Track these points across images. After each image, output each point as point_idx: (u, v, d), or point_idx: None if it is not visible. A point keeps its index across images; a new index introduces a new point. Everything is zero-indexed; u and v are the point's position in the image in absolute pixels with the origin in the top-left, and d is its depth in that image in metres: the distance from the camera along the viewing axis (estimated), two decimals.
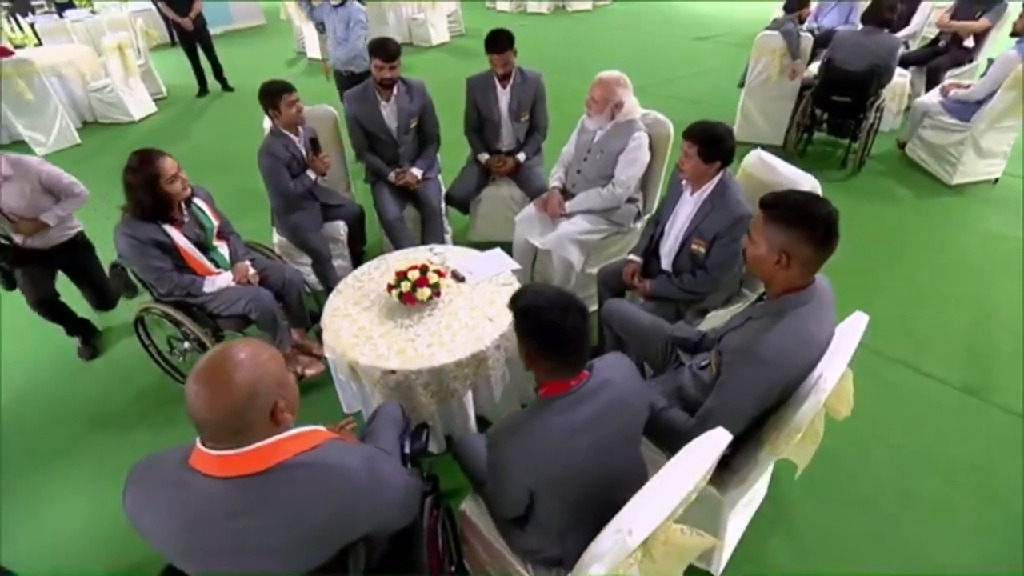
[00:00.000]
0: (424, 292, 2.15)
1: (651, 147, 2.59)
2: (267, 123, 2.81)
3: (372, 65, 2.83)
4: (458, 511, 1.63)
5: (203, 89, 6.64)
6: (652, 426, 1.55)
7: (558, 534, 1.27)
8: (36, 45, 7.39)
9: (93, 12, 8.16)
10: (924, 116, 4.01)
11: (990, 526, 1.96)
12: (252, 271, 2.39)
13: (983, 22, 4.50)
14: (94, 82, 5.91)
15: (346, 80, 4.14)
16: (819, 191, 2.03)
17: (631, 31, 8.63)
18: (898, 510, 2.01)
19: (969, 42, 4.65)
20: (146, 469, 1.03)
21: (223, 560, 0.99)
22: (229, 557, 0.99)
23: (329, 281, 2.80)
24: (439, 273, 2.23)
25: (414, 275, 2.17)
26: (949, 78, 4.47)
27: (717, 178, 2.01)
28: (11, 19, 9.66)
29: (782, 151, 4.45)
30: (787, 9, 4.37)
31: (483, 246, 2.60)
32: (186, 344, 2.43)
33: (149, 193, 2.08)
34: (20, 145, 5.36)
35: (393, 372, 1.97)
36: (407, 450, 1.71)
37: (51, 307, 2.78)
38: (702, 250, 2.05)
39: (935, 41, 4.91)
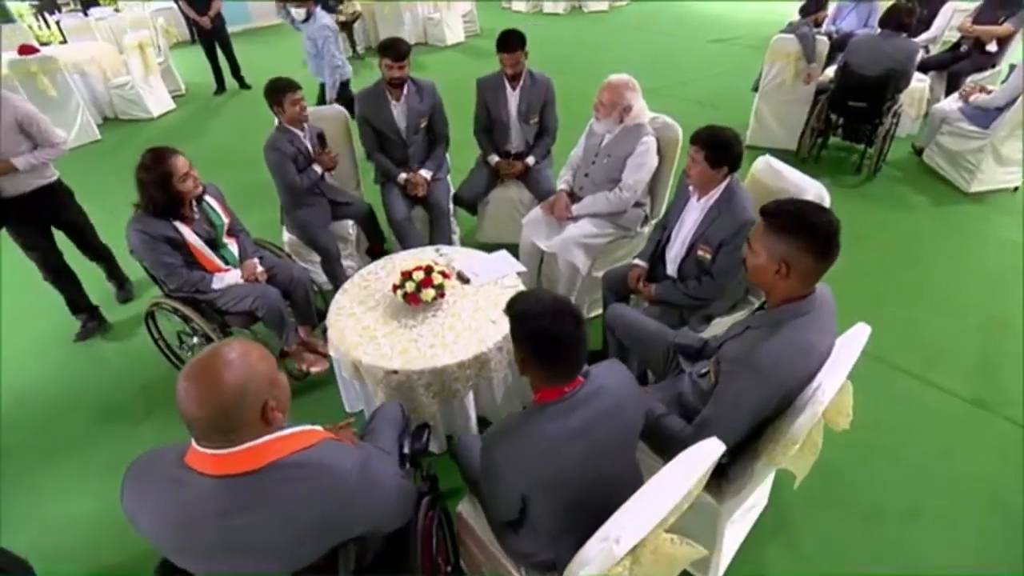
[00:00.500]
0: (428, 293, 2.17)
1: (659, 151, 2.58)
2: (275, 119, 2.85)
3: (382, 65, 2.85)
4: (455, 512, 1.64)
5: (220, 87, 6.74)
6: (650, 433, 1.56)
7: (551, 539, 1.27)
8: (61, 42, 7.56)
9: (117, 10, 8.33)
10: (942, 122, 3.94)
11: (995, 543, 1.91)
12: (260, 269, 2.42)
13: (1007, 27, 4.41)
14: (115, 79, 6.02)
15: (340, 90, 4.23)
16: (826, 198, 2.02)
17: (646, 33, 8.58)
18: (902, 524, 1.98)
19: (992, 47, 4.56)
20: (144, 465, 1.05)
21: (216, 557, 1.01)
22: (221, 554, 1.00)
23: (338, 279, 2.83)
24: (444, 274, 2.24)
25: (419, 276, 2.18)
26: (970, 82, 4.38)
27: (724, 184, 2.00)
28: (39, 17, 9.92)
29: (795, 156, 4.39)
30: (803, 12, 4.32)
31: (491, 247, 2.61)
32: (195, 339, 2.47)
33: (161, 190, 2.12)
34: None
35: (395, 372, 1.99)
36: (406, 450, 1.73)
37: (61, 273, 2.86)
38: (708, 256, 2.04)
39: (956, 45, 4.82)
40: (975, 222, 3.62)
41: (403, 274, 2.21)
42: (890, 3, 3.94)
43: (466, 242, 3.52)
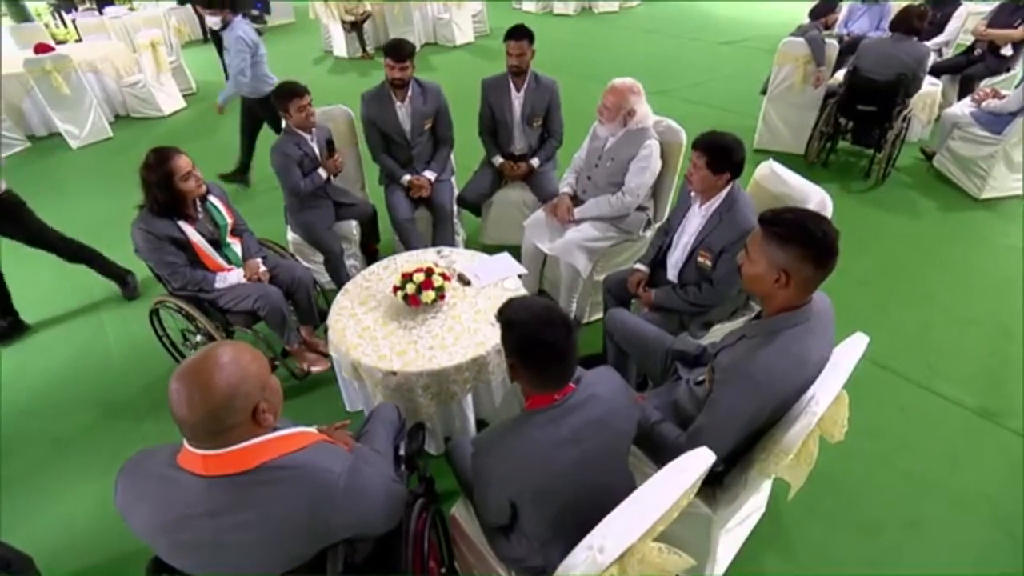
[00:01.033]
0: (429, 295, 2.17)
1: (663, 155, 2.57)
2: (283, 121, 2.87)
3: (384, 65, 2.86)
4: (449, 515, 1.64)
5: None
6: (644, 440, 1.55)
7: (541, 544, 1.27)
8: (77, 41, 7.68)
9: (132, 9, 8.44)
10: (954, 127, 3.88)
11: (996, 558, 1.88)
12: (263, 268, 2.44)
13: (1022, 31, 4.34)
14: (128, 77, 6.10)
15: (255, 105, 4.03)
16: (829, 205, 1.99)
17: (656, 34, 8.55)
18: (901, 535, 1.96)
19: (1007, 50, 4.49)
20: (137, 463, 1.07)
21: (206, 557, 1.02)
22: (211, 554, 1.02)
23: (340, 279, 2.84)
24: (444, 276, 2.25)
25: (419, 278, 2.19)
26: (984, 87, 4.32)
27: (726, 191, 1.98)
28: (56, 15, 10.08)
29: (804, 160, 4.36)
30: (813, 15, 4.27)
31: (494, 249, 2.61)
32: (198, 337, 2.50)
33: (164, 190, 2.14)
34: (56, 137, 5.58)
35: (394, 373, 2.00)
36: (402, 452, 1.74)
37: None
38: (708, 263, 2.03)
39: (970, 49, 4.75)
40: (985, 229, 3.56)
41: (403, 276, 2.22)
42: (903, 6, 3.90)
43: (470, 244, 3.53)
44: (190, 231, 2.25)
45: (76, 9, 9.86)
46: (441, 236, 3.08)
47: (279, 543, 1.03)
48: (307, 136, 2.77)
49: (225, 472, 0.99)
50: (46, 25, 8.60)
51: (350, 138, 3.24)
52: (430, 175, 3.09)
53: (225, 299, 2.34)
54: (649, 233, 2.73)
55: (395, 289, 2.22)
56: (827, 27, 4.21)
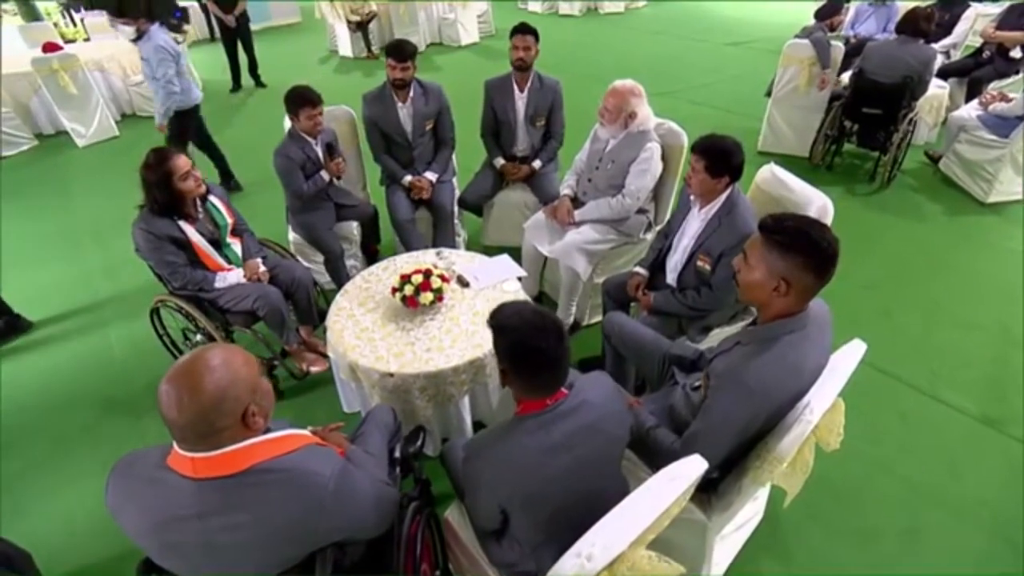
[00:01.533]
0: (427, 296, 2.17)
1: (664, 158, 2.56)
2: (287, 123, 2.87)
3: (386, 65, 2.87)
4: (443, 518, 1.64)
5: (237, 85, 6.83)
6: (639, 445, 1.54)
7: (532, 550, 1.27)
8: (85, 40, 7.73)
9: None
10: (960, 130, 3.85)
11: (996, 569, 1.86)
12: (263, 268, 2.45)
13: None
14: (134, 76, 6.14)
15: (178, 119, 3.86)
16: (830, 210, 1.98)
17: (662, 35, 8.52)
18: (900, 544, 1.94)
19: (1016, 53, 4.45)
20: (127, 464, 1.07)
21: (195, 558, 1.02)
22: (201, 555, 1.02)
23: (341, 279, 2.85)
24: (443, 278, 2.25)
25: (417, 279, 2.19)
26: (992, 89, 4.27)
27: (725, 195, 1.97)
28: (66, 14, 10.16)
29: (808, 163, 4.33)
30: (818, 16, 4.23)
31: (495, 251, 2.61)
32: (198, 336, 2.51)
33: (163, 189, 2.15)
34: (63, 135, 5.62)
35: (391, 375, 2.00)
36: (397, 454, 1.74)
37: None
38: (708, 267, 2.01)
39: (978, 51, 4.71)
40: (991, 233, 3.53)
41: (402, 277, 2.22)
42: (910, 7, 3.86)
43: (472, 245, 3.52)
44: (190, 231, 2.26)
45: (85, 8, 9.94)
46: (441, 237, 3.08)
47: (268, 546, 1.03)
48: (311, 140, 2.78)
49: (214, 474, 0.99)
50: (55, 24, 8.66)
51: (352, 138, 3.24)
52: (431, 176, 3.09)
53: (224, 299, 2.34)
54: (650, 236, 2.72)
55: (393, 290, 2.22)
56: (832, 29, 4.18)
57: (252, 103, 6.57)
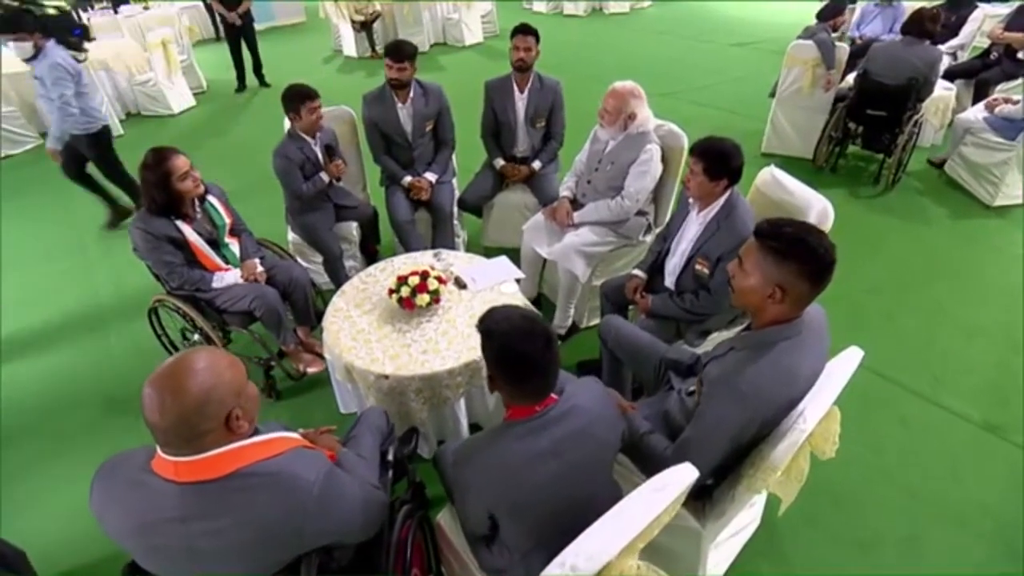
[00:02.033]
0: (423, 298, 2.16)
1: (664, 160, 2.54)
2: (286, 123, 2.87)
3: (384, 65, 2.87)
4: (436, 522, 1.63)
5: (241, 85, 6.84)
6: (633, 450, 1.53)
7: (522, 556, 1.26)
8: (93, 39, 7.77)
9: (146, 7, 8.52)
10: (966, 133, 3.80)
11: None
12: (260, 269, 2.44)
13: None
14: (139, 76, 6.15)
15: (80, 143, 3.55)
16: (831, 214, 1.95)
17: (667, 36, 8.49)
18: (900, 552, 1.91)
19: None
20: (112, 467, 1.07)
21: (179, 562, 1.02)
22: (184, 559, 1.01)
23: (339, 280, 2.84)
24: (440, 280, 2.24)
25: (414, 281, 2.18)
26: (999, 91, 4.23)
27: (724, 198, 1.95)
28: (74, 14, 10.21)
29: (812, 164, 4.30)
30: (820, 17, 4.20)
31: (495, 252, 2.60)
32: (196, 336, 2.51)
33: (162, 189, 2.15)
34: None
35: (386, 377, 1.99)
36: (390, 457, 1.73)
37: None
38: (706, 271, 1.99)
39: (986, 52, 4.66)
40: (997, 237, 3.48)
41: (399, 278, 2.21)
42: (916, 7, 3.82)
43: (472, 246, 3.52)
44: (187, 231, 2.26)
45: (92, 7, 10.01)
46: (440, 238, 3.08)
47: (252, 550, 1.03)
48: (310, 140, 2.77)
49: (197, 479, 0.98)
50: None
51: (352, 139, 3.24)
52: (431, 177, 3.08)
53: (221, 299, 2.34)
54: (649, 238, 2.70)
55: (390, 292, 2.21)
56: (835, 29, 4.14)
57: (256, 102, 6.59)
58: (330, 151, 2.87)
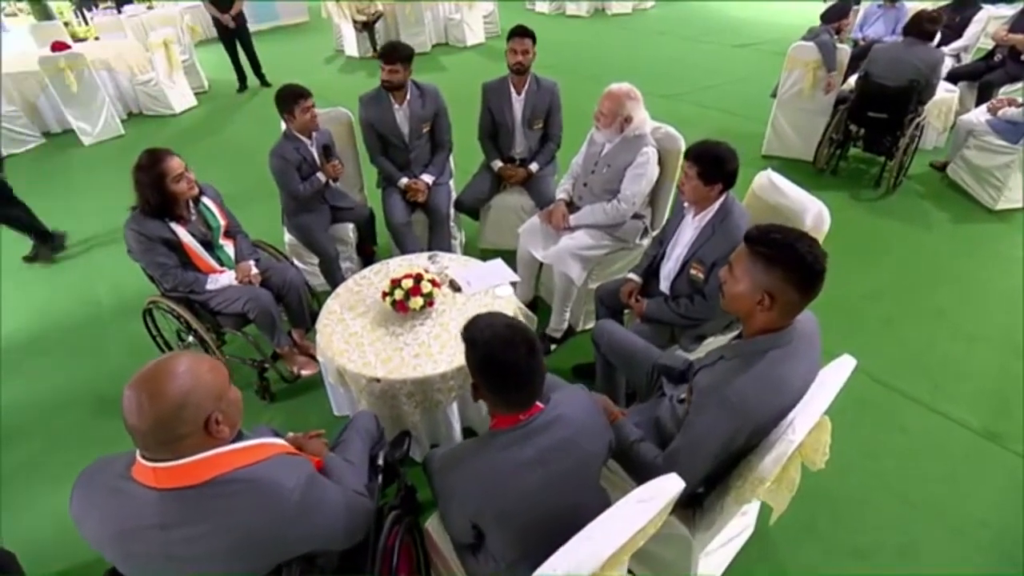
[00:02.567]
0: (417, 301, 2.15)
1: (661, 163, 2.52)
2: (283, 125, 2.87)
3: (379, 67, 2.86)
4: (425, 528, 1.61)
5: (243, 85, 6.85)
6: (624, 459, 1.51)
7: (508, 565, 1.24)
8: (96, 39, 7.80)
9: (150, 7, 8.55)
10: (969, 135, 3.77)
11: None
12: (255, 271, 2.44)
13: None
14: (141, 75, 6.17)
15: None
16: (827, 218, 1.93)
17: (669, 36, 8.45)
18: (896, 561, 1.89)
19: None
20: (91, 474, 1.06)
21: (157, 569, 1.01)
22: (163, 566, 1.01)
23: (335, 282, 2.83)
24: (434, 283, 2.23)
25: (408, 284, 2.17)
26: (1003, 94, 4.19)
27: (719, 202, 1.93)
28: (78, 13, 10.27)
29: (813, 167, 4.26)
30: (824, 19, 4.17)
31: (492, 254, 2.58)
32: (191, 337, 2.50)
33: (156, 191, 2.15)
34: (69, 134, 5.66)
35: (378, 380, 1.98)
36: (380, 461, 1.72)
37: None
38: (701, 276, 1.97)
39: (990, 54, 4.61)
40: (998, 242, 3.45)
41: (392, 281, 2.20)
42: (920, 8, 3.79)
43: (469, 247, 3.50)
44: (182, 232, 2.25)
45: (96, 6, 10.04)
46: (436, 240, 3.06)
47: (231, 557, 1.02)
48: (306, 140, 2.76)
49: (176, 485, 0.98)
50: (66, 24, 8.75)
51: (349, 140, 3.23)
52: (427, 179, 3.07)
53: (215, 301, 2.34)
54: (646, 241, 2.68)
55: (384, 295, 2.20)
56: (838, 32, 4.10)
57: (256, 103, 6.59)
58: (327, 152, 2.86)
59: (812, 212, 1.96)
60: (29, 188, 4.80)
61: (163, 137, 5.70)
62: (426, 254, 2.60)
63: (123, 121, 5.94)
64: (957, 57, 4.80)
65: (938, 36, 4.00)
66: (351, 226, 3.10)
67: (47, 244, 3.76)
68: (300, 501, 1.04)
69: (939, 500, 2.06)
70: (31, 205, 3.65)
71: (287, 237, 3.06)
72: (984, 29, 4.77)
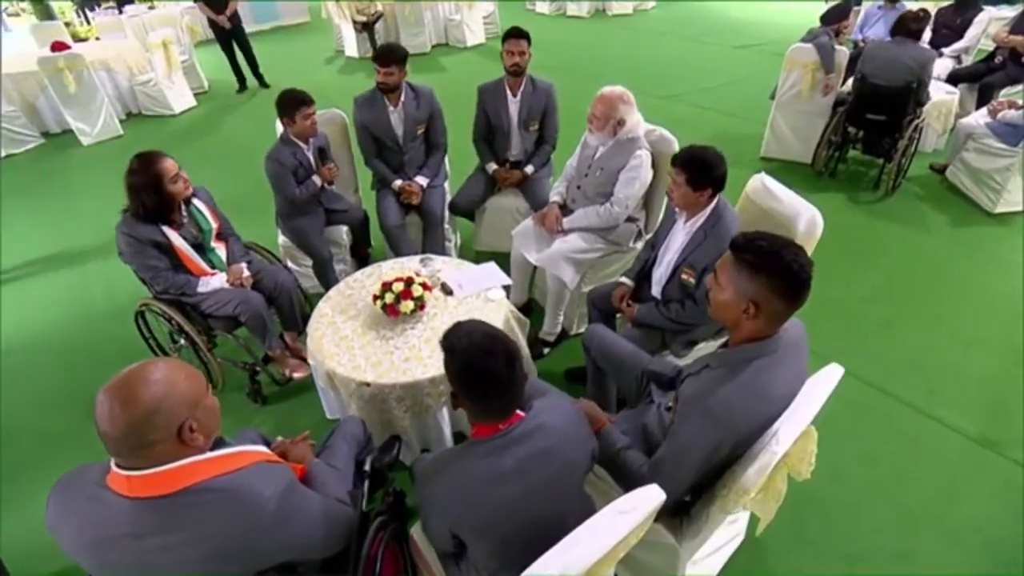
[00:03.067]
0: (407, 305, 2.14)
1: (655, 166, 2.50)
2: (279, 127, 2.86)
3: (374, 69, 2.85)
4: (410, 534, 1.60)
5: (242, 85, 6.84)
6: (611, 466, 1.50)
7: (490, 574, 1.23)
8: (97, 39, 7.81)
9: (152, 7, 8.56)
10: (968, 138, 3.74)
11: None
12: (246, 274, 2.43)
13: None
14: (140, 76, 6.18)
15: None
16: (819, 224, 1.91)
17: (670, 37, 8.42)
18: (889, 569, 1.87)
19: None
20: (69, 480, 1.05)
21: None
22: (138, 575, 1.00)
23: (329, 284, 2.82)
24: (425, 286, 2.22)
25: (398, 287, 2.16)
26: (1003, 96, 4.16)
27: (710, 207, 1.92)
28: (80, 13, 10.30)
29: (811, 169, 4.24)
30: (824, 21, 4.14)
31: (488, 256, 2.57)
32: (182, 340, 2.50)
33: (154, 193, 2.14)
34: (69, 134, 5.67)
35: (367, 385, 1.97)
36: (367, 467, 1.71)
37: None
38: (692, 281, 1.96)
39: (991, 56, 4.58)
40: (998, 245, 3.42)
41: (383, 285, 2.19)
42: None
43: (465, 250, 3.49)
44: (173, 236, 2.24)
45: (99, 6, 10.06)
46: (431, 243, 3.05)
47: (206, 567, 1.01)
48: (303, 145, 2.76)
49: (149, 494, 0.97)
50: (67, 24, 8.77)
51: (344, 141, 3.23)
52: (422, 181, 3.06)
53: (206, 304, 2.33)
54: (639, 244, 2.66)
55: (375, 298, 2.19)
56: (838, 34, 4.07)
57: (255, 103, 6.59)
58: (322, 155, 2.85)
59: (805, 217, 1.94)
60: (28, 188, 4.84)
61: (162, 137, 5.70)
62: (418, 257, 2.58)
63: (122, 121, 5.94)
64: (958, 59, 4.77)
65: (928, 35, 3.99)
66: (345, 228, 3.09)
67: None
68: (276, 510, 1.03)
69: (933, 507, 2.05)
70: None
71: (281, 239, 3.05)
72: (985, 31, 4.73)
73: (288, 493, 1.07)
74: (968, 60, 4.83)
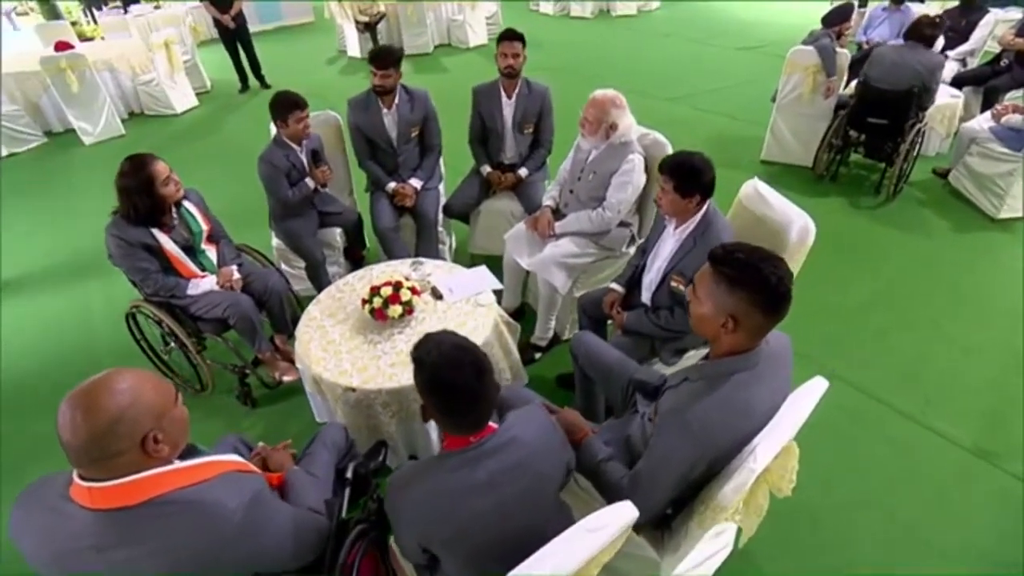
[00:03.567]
0: (395, 309, 2.13)
1: (648, 170, 2.48)
2: (272, 128, 2.86)
3: (369, 71, 2.84)
4: (389, 544, 1.59)
5: (244, 85, 6.86)
6: (593, 477, 1.48)
7: None
8: (102, 38, 7.86)
9: (157, 7, 8.60)
10: (972, 142, 3.69)
11: None
12: (236, 276, 2.42)
13: None
14: (142, 75, 6.20)
15: None
16: (812, 231, 1.88)
17: (674, 38, 8.37)
18: None
19: None
20: (32, 492, 1.05)
21: None
22: None
23: (322, 286, 2.81)
24: (413, 290, 2.20)
25: (387, 291, 2.15)
26: (1008, 100, 4.10)
27: (700, 213, 1.89)
28: (86, 13, 10.37)
29: (812, 173, 4.20)
30: (825, 23, 4.09)
31: (482, 259, 2.55)
32: (172, 343, 2.49)
33: (146, 195, 2.13)
34: (71, 133, 5.70)
35: (353, 390, 1.96)
36: (348, 474, 1.69)
37: None
38: (682, 288, 1.93)
39: (996, 59, 4.52)
40: (1000, 251, 3.37)
41: (372, 289, 2.18)
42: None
43: (460, 252, 3.47)
44: (163, 238, 2.24)
45: (105, 5, 10.13)
46: (424, 246, 3.04)
47: None
48: (296, 148, 2.75)
49: (111, 506, 0.96)
50: (73, 23, 8.83)
51: (338, 143, 3.22)
52: (416, 183, 3.04)
53: (196, 306, 2.33)
54: (632, 250, 2.63)
55: (363, 302, 2.18)
56: (839, 36, 4.03)
57: (257, 103, 6.58)
58: (316, 157, 2.85)
59: (798, 224, 1.91)
60: (29, 187, 4.87)
61: (164, 137, 5.73)
62: (409, 260, 2.57)
63: (124, 121, 5.96)
64: (963, 61, 4.71)
65: (941, 41, 3.93)
66: (339, 230, 3.08)
67: None
68: (242, 522, 1.02)
69: (926, 518, 2.01)
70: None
71: (274, 241, 3.05)
72: (991, 33, 4.67)
73: (255, 504, 1.06)
74: (973, 63, 4.76)
